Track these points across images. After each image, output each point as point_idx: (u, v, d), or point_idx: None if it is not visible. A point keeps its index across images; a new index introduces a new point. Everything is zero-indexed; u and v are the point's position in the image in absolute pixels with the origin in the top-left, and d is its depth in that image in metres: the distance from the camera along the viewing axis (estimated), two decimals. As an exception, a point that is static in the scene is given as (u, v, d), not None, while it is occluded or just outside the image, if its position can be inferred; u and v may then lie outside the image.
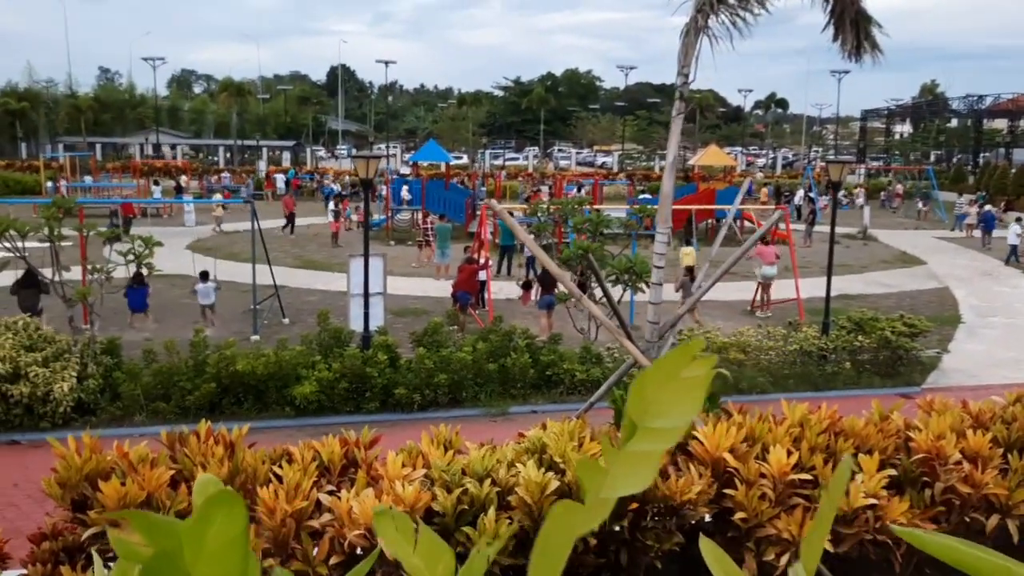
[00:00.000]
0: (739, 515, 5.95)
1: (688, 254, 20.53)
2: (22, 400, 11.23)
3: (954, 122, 75.99)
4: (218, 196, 37.20)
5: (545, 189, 37.46)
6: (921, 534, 2.28)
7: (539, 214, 15.07)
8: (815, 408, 7.21)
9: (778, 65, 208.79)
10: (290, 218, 30.60)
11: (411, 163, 39.77)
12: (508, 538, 5.71)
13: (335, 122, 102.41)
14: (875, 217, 39.52)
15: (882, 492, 6.20)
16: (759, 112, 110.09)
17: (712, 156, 37.79)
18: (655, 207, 25.98)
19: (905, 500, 6.29)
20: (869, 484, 6.13)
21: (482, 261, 17.90)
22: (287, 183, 43.54)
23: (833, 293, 22.05)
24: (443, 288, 19.55)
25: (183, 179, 42.15)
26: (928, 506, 6.37)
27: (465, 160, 67.66)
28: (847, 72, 66.25)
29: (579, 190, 33.90)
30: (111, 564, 1.22)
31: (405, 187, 32.03)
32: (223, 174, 48.98)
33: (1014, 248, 27.13)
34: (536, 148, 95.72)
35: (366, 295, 13.43)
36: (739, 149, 76.20)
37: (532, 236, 15.34)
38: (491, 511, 5.43)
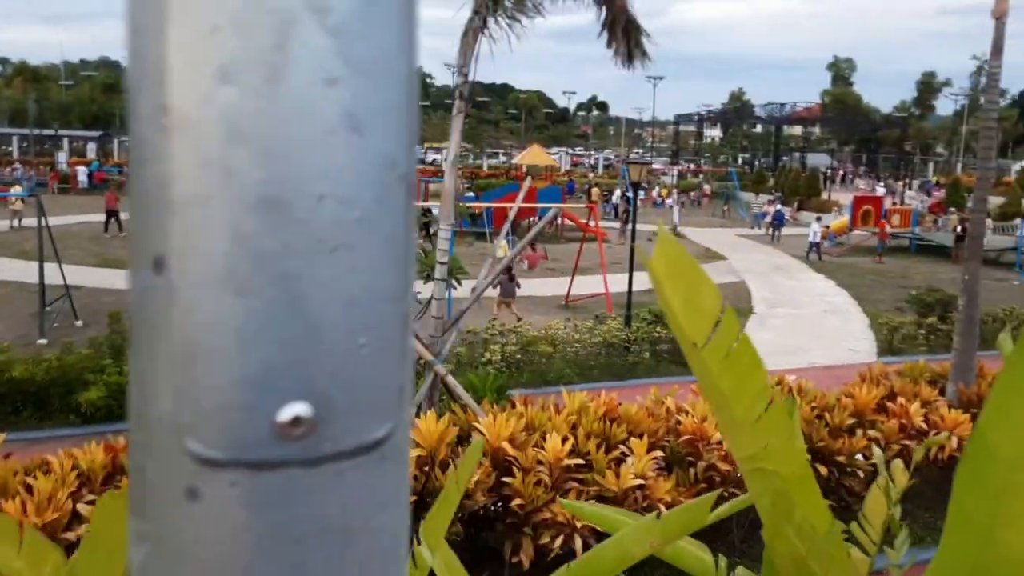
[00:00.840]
0: (517, 501, 6.13)
1: (503, 248, 20.91)
2: None
3: (759, 128, 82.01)
4: (17, 189, 34.11)
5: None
6: (580, 505, 2.45)
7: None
8: (595, 396, 7.54)
9: (603, 69, 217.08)
10: (112, 214, 28.60)
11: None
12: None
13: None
14: (685, 215, 42.02)
15: (650, 473, 6.59)
16: (583, 114, 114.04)
17: (534, 156, 38.76)
18: (472, 204, 26.19)
19: (672, 479, 6.71)
20: (639, 465, 6.48)
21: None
22: (90, 175, 40.58)
23: (642, 287, 23.31)
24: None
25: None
26: (692, 483, 6.83)
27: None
28: (661, 78, 69.86)
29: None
30: None
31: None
32: (15, 165, 45.01)
33: (814, 245, 29.61)
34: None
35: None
36: (564, 150, 78.49)
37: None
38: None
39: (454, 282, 13.83)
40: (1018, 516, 1.11)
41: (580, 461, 6.44)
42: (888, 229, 30.52)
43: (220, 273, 0.42)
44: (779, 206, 36.67)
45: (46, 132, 62.47)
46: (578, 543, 5.98)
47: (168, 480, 0.45)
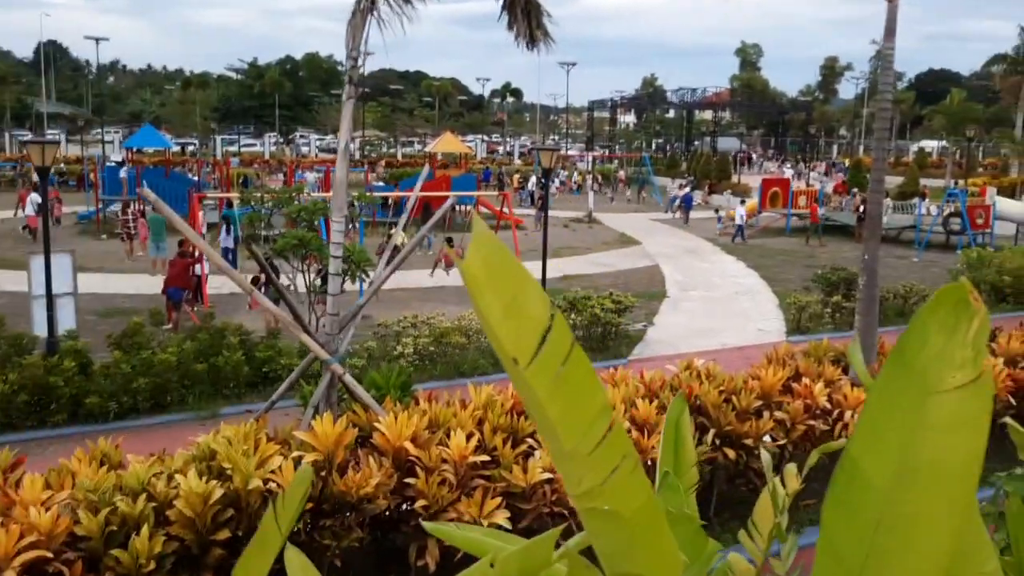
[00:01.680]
0: (420, 503, 5.91)
1: (402, 237, 20.59)
2: None
3: (672, 113, 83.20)
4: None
5: (280, 176, 36.06)
6: (449, 529, 2.22)
7: (252, 203, 14.34)
8: (503, 389, 7.36)
9: (517, 56, 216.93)
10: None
11: (125, 149, 36.50)
12: (166, 556, 5.26)
13: (46, 104, 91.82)
14: (601, 201, 42.31)
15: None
16: (497, 101, 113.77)
17: (447, 143, 38.35)
18: (380, 194, 25.65)
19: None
20: (546, 459, 6.31)
21: (197, 254, 16.77)
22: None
23: (558, 274, 23.31)
24: (158, 284, 18.12)
25: None
26: (602, 474, 6.68)
27: (196, 147, 63.53)
28: (574, 64, 70.15)
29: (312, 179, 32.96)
30: None
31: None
32: None
33: (739, 228, 30.16)
34: (276, 134, 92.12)
35: (49, 296, 12.05)
36: (480, 137, 78.14)
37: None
38: (145, 529, 4.95)
39: (362, 274, 13.46)
40: (892, 553, 0.94)
41: (487, 458, 6.25)
42: (820, 211, 31.29)
43: None
44: (687, 190, 37.30)
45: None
46: (485, 542, 5.77)
47: None
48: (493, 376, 14.20)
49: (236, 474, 5.39)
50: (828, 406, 7.77)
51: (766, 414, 7.67)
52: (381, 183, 35.89)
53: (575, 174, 49.24)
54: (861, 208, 29.37)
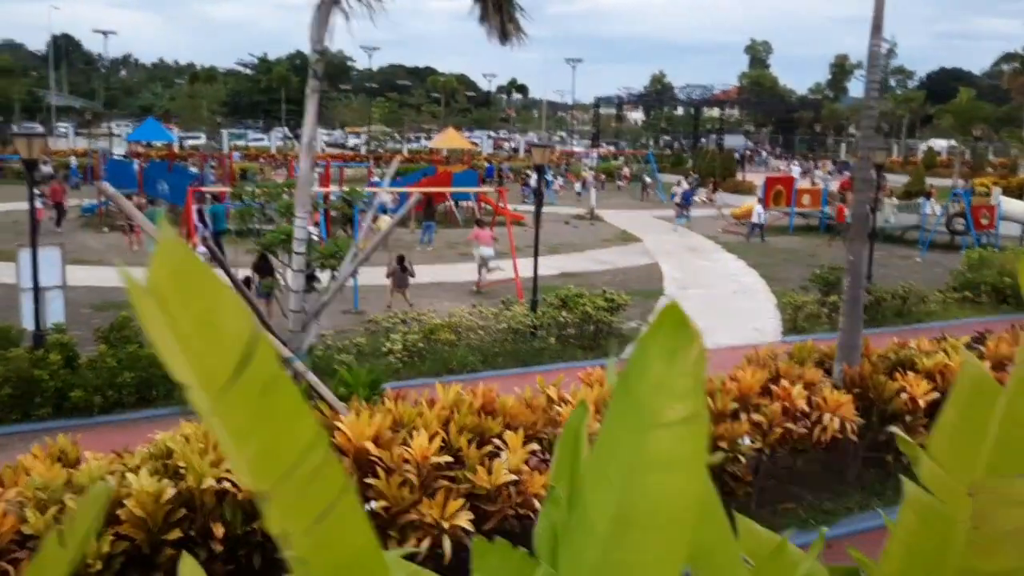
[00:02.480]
0: (380, 504, 5.83)
1: (382, 222, 20.29)
2: None
3: (679, 110, 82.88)
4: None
5: (284, 171, 36.05)
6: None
7: (243, 198, 14.28)
8: (474, 388, 7.27)
9: (526, 52, 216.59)
10: (58, 208, 27.16)
11: (128, 142, 36.58)
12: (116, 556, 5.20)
13: (57, 97, 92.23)
14: (604, 198, 42.15)
15: (526, 467, 6.35)
16: (504, 96, 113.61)
17: (450, 139, 38.28)
18: (387, 189, 25.57)
19: (548, 472, 6.47)
20: (513, 460, 6.24)
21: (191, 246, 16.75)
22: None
23: (555, 271, 23.21)
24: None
25: None
26: (571, 476, 6.58)
27: (204, 141, 63.63)
28: (580, 60, 70.01)
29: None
30: None
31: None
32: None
33: (757, 227, 29.98)
34: (285, 129, 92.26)
35: (36, 289, 12.04)
36: (487, 133, 78.07)
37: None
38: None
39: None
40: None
41: (450, 458, 6.16)
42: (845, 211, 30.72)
43: None
44: (686, 187, 37.19)
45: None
46: (447, 545, 5.72)
47: None
48: (482, 374, 14.14)
49: (190, 473, 5.33)
50: (807, 409, 7.66)
51: (743, 416, 7.56)
52: (377, 179, 35.82)
53: (584, 169, 49.07)
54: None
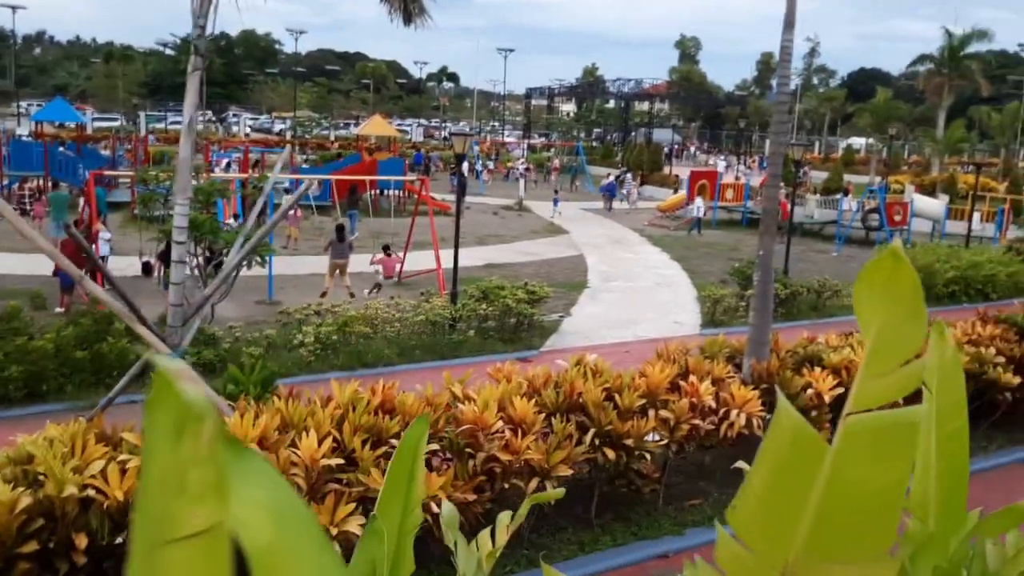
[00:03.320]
0: (265, 509, 5.44)
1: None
2: None
3: (612, 103, 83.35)
4: None
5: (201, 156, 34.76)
6: None
7: (148, 183, 13.66)
8: (375, 385, 7.00)
9: (460, 40, 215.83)
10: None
11: (33, 123, 34.86)
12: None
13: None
14: (534, 189, 42.05)
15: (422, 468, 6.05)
16: (434, 84, 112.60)
17: (376, 126, 37.60)
18: (292, 176, 24.79)
19: (448, 473, 6.25)
20: (409, 461, 5.91)
21: (96, 233, 15.97)
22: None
23: (480, 263, 22.98)
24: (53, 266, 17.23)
25: None
26: (471, 476, 6.40)
27: (122, 123, 61.28)
28: (512, 50, 69.73)
29: (228, 161, 31.92)
30: None
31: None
32: None
33: (697, 220, 30.18)
34: (210, 112, 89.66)
35: (-87, 277, 11.23)
36: (418, 121, 77.23)
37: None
38: (-67, 543, 4.42)
39: (256, 260, 12.92)
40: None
41: (341, 460, 5.87)
42: (749, 204, 31.16)
43: None
44: (611, 179, 37.47)
45: None
46: (336, 550, 5.42)
47: None
48: (398, 367, 13.83)
49: (50, 480, 4.91)
50: (714, 405, 7.60)
51: (651, 412, 7.46)
52: (307, 166, 34.98)
53: (514, 160, 48.87)
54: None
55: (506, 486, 6.47)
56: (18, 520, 4.69)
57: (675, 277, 22.53)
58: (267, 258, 12.91)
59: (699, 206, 30.51)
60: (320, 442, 5.73)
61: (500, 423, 6.62)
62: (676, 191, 37.58)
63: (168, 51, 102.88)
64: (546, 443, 6.66)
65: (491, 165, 44.74)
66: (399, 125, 76.48)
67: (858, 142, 69.10)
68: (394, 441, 6.14)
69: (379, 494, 1.98)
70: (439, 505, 5.99)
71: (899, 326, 0.80)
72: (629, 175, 41.26)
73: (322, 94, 78.26)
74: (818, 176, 47.48)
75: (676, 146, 70.91)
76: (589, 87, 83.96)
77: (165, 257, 15.59)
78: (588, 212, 35.98)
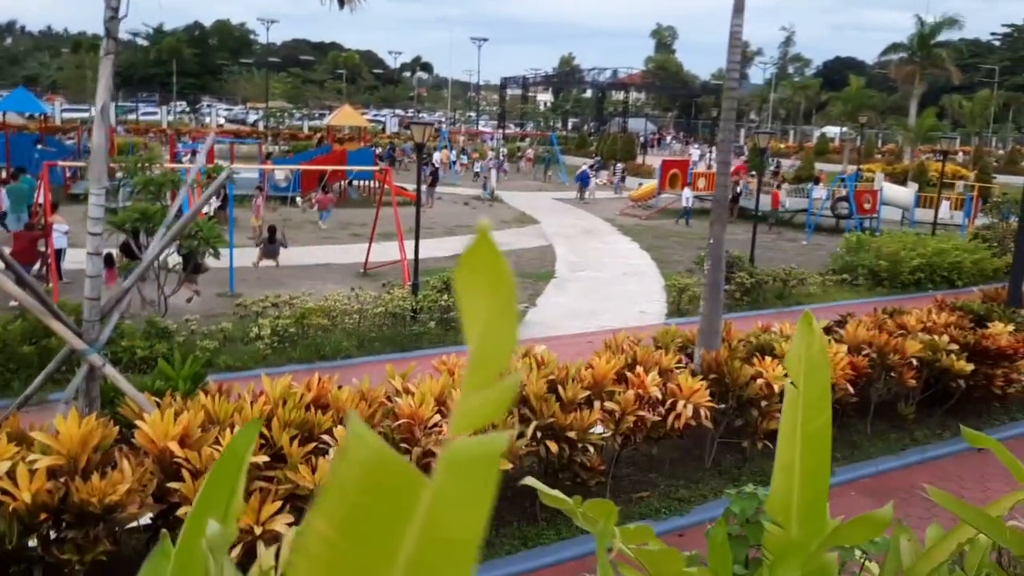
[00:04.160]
0: (185, 510, 5.32)
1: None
2: None
3: (588, 93, 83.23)
4: None
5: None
6: None
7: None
8: (310, 379, 6.85)
9: (435, 30, 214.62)
10: None
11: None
12: None
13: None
14: (507, 179, 41.86)
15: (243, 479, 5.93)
16: (408, 75, 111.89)
17: (345, 116, 37.22)
18: (283, 167, 24.53)
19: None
20: (338, 458, 5.78)
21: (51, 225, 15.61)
22: None
23: (448, 253, 22.79)
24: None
25: None
26: (407, 472, 6.23)
27: (91, 113, 60.34)
28: (485, 40, 69.36)
29: (193, 152, 31.45)
30: None
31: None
32: None
33: (687, 211, 30.17)
34: (183, 103, 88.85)
35: None
36: (393, 111, 76.68)
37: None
38: None
39: (211, 252, 12.69)
40: None
41: (266, 457, 5.71)
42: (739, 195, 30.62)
43: None
44: (584, 167, 37.45)
45: None
46: (261, 551, 5.26)
47: None
48: (357, 360, 13.65)
49: (-51, 483, 4.72)
50: (660, 396, 7.49)
51: (597, 404, 7.35)
52: (278, 156, 34.60)
53: (487, 150, 48.62)
54: (738, 189, 30.07)
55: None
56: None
57: (644, 267, 22.46)
58: (219, 251, 12.66)
59: (688, 196, 30.52)
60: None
61: (438, 417, 6.48)
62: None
63: (141, 41, 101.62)
64: (486, 437, 6.51)
65: (465, 159, 44.44)
66: (375, 116, 75.93)
67: (832, 131, 69.43)
68: (327, 437, 6.00)
69: (193, 505, 1.83)
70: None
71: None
72: (619, 165, 41.14)
73: (296, 84, 77.48)
74: (794, 165, 47.61)
75: (651, 135, 70.91)
76: (566, 77, 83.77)
77: (127, 249, 15.30)
78: (560, 202, 35.83)
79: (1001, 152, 64.23)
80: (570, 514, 1.51)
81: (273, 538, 5.38)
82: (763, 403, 8.03)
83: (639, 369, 7.69)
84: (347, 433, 0.61)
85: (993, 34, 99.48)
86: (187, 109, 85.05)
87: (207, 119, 70.57)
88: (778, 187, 32.01)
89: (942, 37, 50.89)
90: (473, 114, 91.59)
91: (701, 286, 17.60)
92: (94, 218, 5.68)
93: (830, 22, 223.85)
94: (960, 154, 35.37)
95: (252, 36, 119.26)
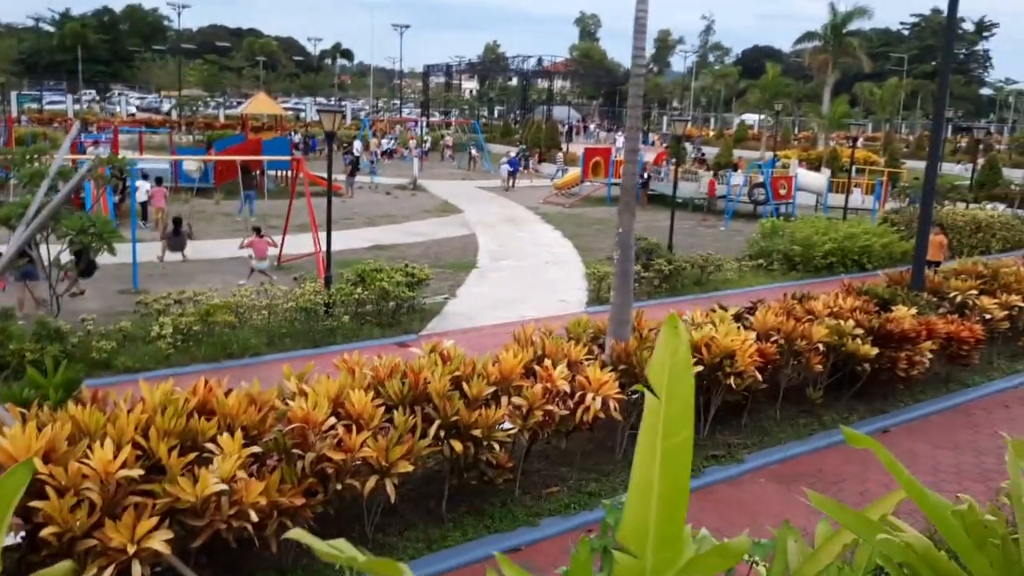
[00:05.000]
0: (50, 530, 4.91)
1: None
2: None
3: (514, 81, 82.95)
4: None
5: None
6: None
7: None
8: (196, 384, 6.46)
9: (356, 16, 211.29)
10: None
11: None
12: None
13: None
14: (431, 168, 41.39)
15: (241, 474, 5.62)
16: (329, 62, 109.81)
17: (260, 105, 36.19)
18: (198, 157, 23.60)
19: (275, 476, 5.77)
20: (224, 467, 5.47)
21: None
22: None
23: (367, 244, 22.34)
24: None
25: None
26: (300, 479, 5.95)
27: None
28: (408, 26, 68.46)
29: (95, 143, 30.18)
30: None
31: None
32: None
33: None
34: (93, 91, 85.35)
35: None
36: (314, 99, 75.11)
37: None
38: None
39: (106, 248, 12.05)
40: None
41: (141, 471, 5.33)
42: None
43: None
44: (512, 154, 37.33)
45: None
46: (137, 571, 4.92)
47: None
48: (267, 357, 13.17)
49: None
50: (568, 390, 7.34)
51: (504, 400, 7.16)
52: (188, 147, 33.40)
53: (420, 138, 47.92)
54: (646, 175, 30.41)
55: (339, 487, 6.06)
56: None
57: (566, 255, 22.41)
58: (114, 247, 12.02)
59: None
60: (118, 450, 5.18)
61: (333, 419, 6.19)
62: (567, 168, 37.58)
63: (46, 26, 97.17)
64: (386, 439, 6.27)
65: (393, 144, 43.79)
66: (295, 104, 74.23)
67: (751, 118, 70.82)
68: (211, 446, 5.65)
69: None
70: (260, 511, 5.54)
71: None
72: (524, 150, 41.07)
73: (213, 72, 75.23)
74: (714, 152, 48.33)
75: (576, 123, 71.14)
76: (490, 65, 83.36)
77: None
78: (484, 191, 35.58)
79: (911, 138, 66.53)
80: (347, 565, 1.28)
81: (151, 557, 5.03)
82: (673, 393, 7.95)
83: (547, 362, 7.53)
84: None
85: (902, 23, 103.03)
86: (96, 98, 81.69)
87: (117, 108, 67.88)
88: (715, 175, 32.30)
89: (853, 26, 52.38)
90: (397, 101, 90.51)
91: (620, 274, 17.70)
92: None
93: (756, 12, 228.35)
94: (860, 140, 36.26)
95: (166, 22, 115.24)
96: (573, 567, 2.30)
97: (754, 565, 2.78)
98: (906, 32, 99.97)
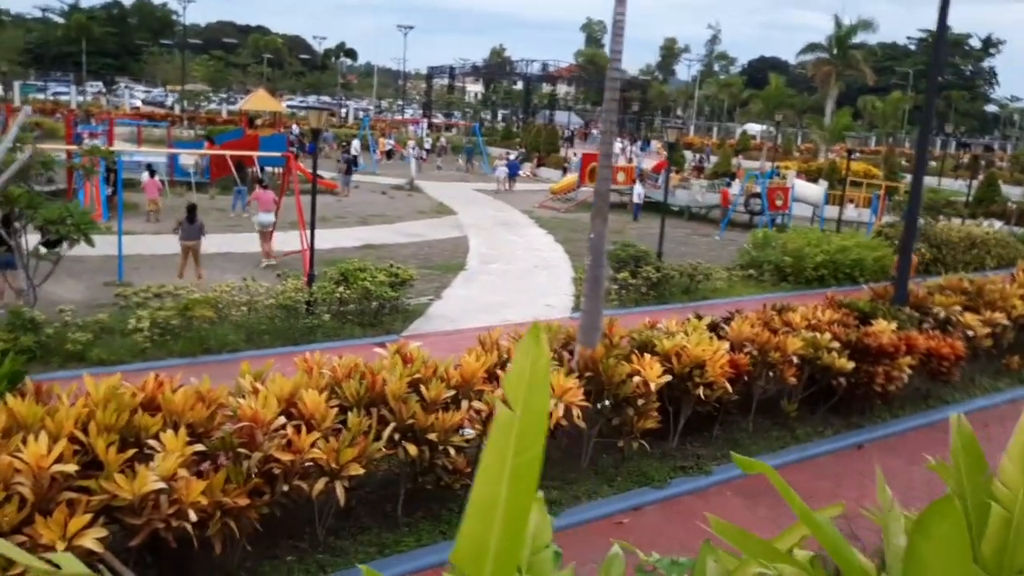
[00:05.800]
0: (-18, 524, 4.80)
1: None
2: None
3: (519, 85, 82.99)
4: None
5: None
6: None
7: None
8: (145, 379, 6.36)
9: (364, 17, 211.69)
10: None
11: None
12: None
13: None
14: (429, 169, 41.31)
15: (183, 472, 5.51)
16: (333, 60, 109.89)
17: (260, 101, 36.15)
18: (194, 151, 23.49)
19: (219, 475, 5.66)
20: (165, 464, 5.37)
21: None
22: None
23: (358, 243, 22.24)
24: None
25: None
26: (246, 479, 5.84)
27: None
28: (412, 27, 68.49)
29: (93, 133, 30.11)
30: None
31: None
32: None
33: (637, 207, 30.07)
34: (100, 84, 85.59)
35: None
36: (319, 97, 75.13)
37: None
38: None
39: (83, 239, 11.96)
40: None
41: (75, 466, 5.22)
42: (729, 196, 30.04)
43: None
44: (511, 157, 37.23)
45: None
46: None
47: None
48: (244, 353, 13.05)
49: None
50: (530, 395, 7.23)
51: (465, 404, 7.05)
52: (187, 141, 33.36)
53: (419, 139, 47.87)
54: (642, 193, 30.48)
55: (286, 488, 5.95)
56: None
57: (556, 260, 22.30)
58: (91, 238, 11.94)
59: (639, 192, 30.54)
60: (53, 444, 5.08)
61: (283, 419, 6.08)
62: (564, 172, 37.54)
63: (54, 17, 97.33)
64: (338, 440, 6.16)
65: (385, 144, 43.74)
66: (300, 102, 74.18)
67: (755, 128, 70.74)
68: (154, 442, 5.55)
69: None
70: (200, 510, 5.43)
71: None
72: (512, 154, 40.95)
73: (219, 67, 75.23)
74: (714, 160, 48.23)
75: (577, 129, 71.08)
76: (495, 68, 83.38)
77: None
78: (480, 193, 35.49)
79: (913, 153, 66.29)
80: None
81: (83, 555, 4.92)
82: (639, 402, 7.86)
83: (510, 367, 7.42)
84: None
85: (909, 38, 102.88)
86: (103, 90, 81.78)
87: (122, 101, 67.94)
88: (727, 185, 32.09)
89: (858, 39, 52.26)
90: (401, 102, 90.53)
91: (609, 280, 17.58)
92: None
93: (757, 22, 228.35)
94: (857, 152, 36.16)
95: (175, 16, 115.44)
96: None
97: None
98: (913, 47, 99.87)
